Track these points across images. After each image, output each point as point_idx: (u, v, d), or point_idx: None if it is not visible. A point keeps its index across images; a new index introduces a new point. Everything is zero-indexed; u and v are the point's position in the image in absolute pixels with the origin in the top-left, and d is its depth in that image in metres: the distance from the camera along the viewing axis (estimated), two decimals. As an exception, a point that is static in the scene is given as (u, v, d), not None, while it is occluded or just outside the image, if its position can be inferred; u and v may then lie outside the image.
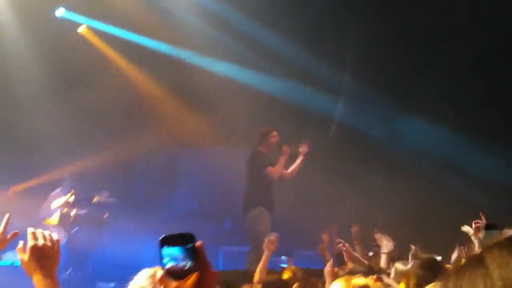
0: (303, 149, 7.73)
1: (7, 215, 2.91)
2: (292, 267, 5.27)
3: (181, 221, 11.24)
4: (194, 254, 1.61)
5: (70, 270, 8.11)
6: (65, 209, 8.15)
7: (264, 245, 5.35)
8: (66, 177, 8.93)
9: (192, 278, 1.57)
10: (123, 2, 10.34)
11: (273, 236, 5.48)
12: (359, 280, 3.16)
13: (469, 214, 5.47)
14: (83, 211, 8.21)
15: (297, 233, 10.67)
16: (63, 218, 8.06)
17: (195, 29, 10.53)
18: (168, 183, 12.45)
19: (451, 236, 7.18)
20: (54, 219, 8.20)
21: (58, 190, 8.80)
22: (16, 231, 2.77)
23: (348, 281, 3.11)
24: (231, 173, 11.13)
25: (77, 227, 8.35)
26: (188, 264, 1.60)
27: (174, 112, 11.42)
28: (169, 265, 1.59)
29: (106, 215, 8.45)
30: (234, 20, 10.42)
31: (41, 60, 10.59)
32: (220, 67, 11.04)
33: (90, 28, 11.04)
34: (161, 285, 1.57)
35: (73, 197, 8.20)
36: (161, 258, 1.59)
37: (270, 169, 7.28)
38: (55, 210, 8.31)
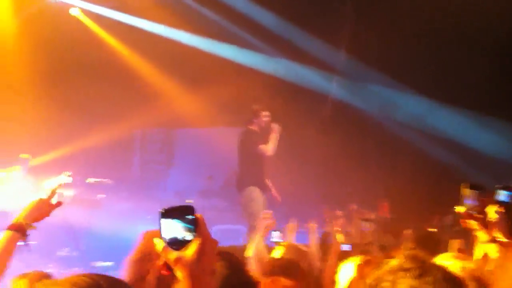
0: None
1: (59, 182, 2.97)
2: (286, 242, 5.19)
3: (176, 201, 11.31)
4: (194, 225, 1.60)
5: (66, 249, 8.17)
6: (61, 190, 8.14)
7: (258, 222, 5.30)
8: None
9: (191, 248, 1.57)
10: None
11: (267, 214, 5.44)
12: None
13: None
14: (78, 191, 8.22)
15: (293, 211, 10.76)
16: (59, 198, 8.05)
17: (187, 9, 10.46)
18: (164, 163, 12.50)
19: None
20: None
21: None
22: (59, 201, 2.81)
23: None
24: (226, 152, 11.20)
25: (72, 207, 8.37)
26: (188, 235, 1.59)
27: (171, 92, 11.40)
28: (168, 236, 1.59)
29: (101, 195, 8.47)
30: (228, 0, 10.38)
31: (33, 42, 10.53)
32: (213, 47, 11.01)
33: (83, 10, 10.96)
34: (162, 256, 1.58)
35: (70, 178, 8.19)
36: (161, 230, 1.59)
37: (262, 147, 7.26)
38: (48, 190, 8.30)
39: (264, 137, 7.56)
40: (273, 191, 7.71)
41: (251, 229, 6.69)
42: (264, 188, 7.50)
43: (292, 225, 5.68)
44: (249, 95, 9.88)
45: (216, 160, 12.29)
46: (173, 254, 1.57)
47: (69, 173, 8.19)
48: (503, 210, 3.02)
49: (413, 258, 1.59)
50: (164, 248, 1.58)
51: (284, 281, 2.94)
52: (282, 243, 4.90)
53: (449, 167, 10.02)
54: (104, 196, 8.47)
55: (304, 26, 10.53)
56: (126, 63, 11.28)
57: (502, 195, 3.22)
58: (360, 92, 11.07)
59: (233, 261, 2.52)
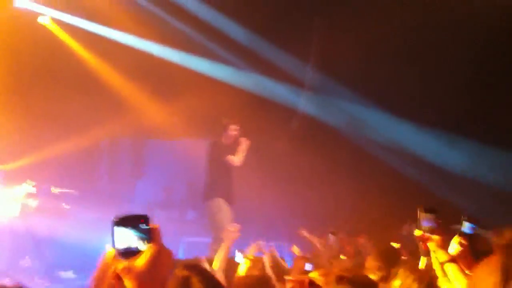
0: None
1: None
2: (251, 256, 5.14)
3: (142, 211, 11.24)
4: (148, 235, 1.56)
5: (27, 259, 8.05)
6: (26, 200, 8.06)
7: (224, 234, 5.28)
8: (12, 167, 8.70)
9: (142, 257, 1.53)
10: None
11: (233, 227, 5.43)
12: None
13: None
14: (43, 201, 8.13)
15: (261, 225, 10.84)
16: (24, 208, 7.97)
17: (159, 21, 10.49)
18: (132, 174, 12.43)
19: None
20: (15, 210, 8.09)
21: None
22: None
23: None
24: (195, 164, 11.21)
25: (37, 217, 8.28)
26: (142, 245, 1.55)
27: (140, 103, 11.37)
28: (120, 245, 1.56)
29: (66, 205, 8.39)
30: (199, 12, 10.43)
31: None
32: (184, 59, 11.04)
33: (52, 18, 10.87)
34: (112, 266, 1.54)
35: (34, 188, 8.13)
36: (114, 239, 1.56)
37: (230, 157, 7.30)
38: (14, 201, 8.20)
39: (232, 150, 7.60)
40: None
41: (216, 240, 6.68)
42: (230, 200, 7.48)
43: (255, 246, 5.71)
44: (219, 107, 9.92)
45: (185, 171, 12.29)
46: (122, 264, 1.53)
47: (33, 183, 8.16)
48: (466, 242, 3.13)
49: None
50: (114, 257, 1.56)
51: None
52: (248, 257, 4.87)
53: (415, 181, 10.19)
54: (68, 207, 8.37)
55: (273, 40, 10.65)
56: (95, 73, 11.20)
57: (466, 227, 3.31)
58: (329, 107, 11.21)
59: (208, 276, 2.44)
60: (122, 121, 11.17)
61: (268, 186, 10.95)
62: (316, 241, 7.36)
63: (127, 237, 1.56)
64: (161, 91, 11.13)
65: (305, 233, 7.26)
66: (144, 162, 12.70)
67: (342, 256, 6.32)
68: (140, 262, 1.52)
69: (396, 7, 9.20)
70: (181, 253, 10.92)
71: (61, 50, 10.98)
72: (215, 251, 6.50)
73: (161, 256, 1.55)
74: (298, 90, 11.30)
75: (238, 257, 5.21)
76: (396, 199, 9.41)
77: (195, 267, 2.39)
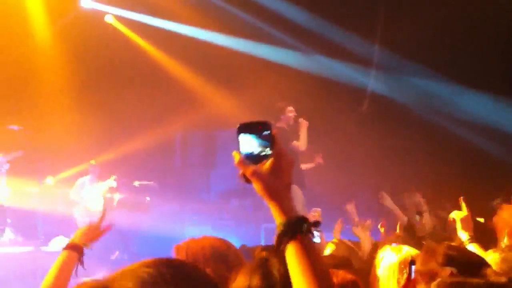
0: (317, 159, 7.64)
1: (103, 209, 3.11)
2: (336, 239, 5.04)
3: (220, 201, 11.39)
4: (270, 141, 1.62)
5: (117, 253, 8.31)
6: (108, 194, 8.32)
7: None
8: (93, 164, 8.97)
9: (268, 163, 1.61)
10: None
11: (315, 212, 5.33)
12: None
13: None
14: (125, 195, 8.36)
15: (335, 208, 10.73)
16: (107, 203, 8.23)
17: (219, 11, 10.50)
18: (206, 164, 12.57)
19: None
20: (97, 204, 8.40)
21: (84, 177, 8.87)
22: (110, 224, 2.97)
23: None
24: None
25: (121, 211, 8.54)
26: (265, 150, 1.62)
27: (208, 94, 11.46)
28: (246, 150, 1.62)
29: (147, 198, 8.59)
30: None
31: (70, 50, 10.71)
32: (248, 47, 11.03)
33: (117, 17, 11.11)
34: (240, 168, 1.61)
35: (115, 182, 8.37)
36: (239, 144, 1.63)
37: (295, 143, 7.11)
38: (98, 195, 8.50)
39: (293, 133, 7.43)
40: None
41: None
42: (302, 186, 7.31)
43: (338, 225, 5.63)
44: (286, 94, 9.86)
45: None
46: (250, 167, 1.60)
47: (115, 177, 8.42)
48: None
49: None
50: (241, 161, 1.61)
51: (343, 273, 2.90)
52: (332, 241, 4.77)
53: (490, 155, 9.77)
54: (149, 199, 8.59)
55: (336, 20, 10.44)
56: (162, 68, 11.41)
57: None
58: (399, 85, 10.90)
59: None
60: (192, 113, 11.29)
61: (340, 169, 10.81)
62: (400, 216, 7.09)
63: (251, 143, 1.63)
64: (228, 81, 11.18)
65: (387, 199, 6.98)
66: (216, 152, 12.81)
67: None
68: (266, 166, 1.60)
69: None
70: (262, 239, 11.03)
71: (129, 48, 11.23)
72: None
73: (284, 162, 1.63)
74: (366, 70, 11.04)
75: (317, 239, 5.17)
76: (479, 178, 9.07)
77: (274, 249, 2.36)
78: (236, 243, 2.97)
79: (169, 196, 10.19)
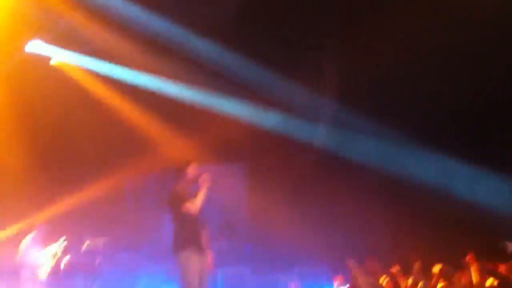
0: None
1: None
2: None
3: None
4: None
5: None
6: (54, 260, 7.83)
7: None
8: (39, 223, 8.47)
9: None
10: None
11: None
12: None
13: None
14: (74, 259, 7.90)
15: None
16: (54, 269, 7.76)
17: (170, 56, 10.28)
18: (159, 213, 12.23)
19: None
20: (43, 272, 7.87)
21: (29, 237, 8.34)
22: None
23: None
24: (225, 191, 11.11)
25: (70, 277, 8.08)
26: None
27: (159, 137, 11.19)
28: None
29: (99, 259, 8.15)
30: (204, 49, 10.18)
31: (14, 97, 10.25)
32: (196, 95, 10.88)
33: (63, 62, 10.71)
34: None
35: (64, 244, 7.91)
36: None
37: (186, 205, 6.23)
38: (42, 262, 7.96)
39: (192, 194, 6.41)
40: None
41: None
42: (201, 251, 6.35)
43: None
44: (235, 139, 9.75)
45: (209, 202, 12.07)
46: None
47: (64, 238, 7.96)
48: None
49: None
50: None
51: None
52: None
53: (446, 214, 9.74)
54: (99, 262, 8.16)
55: (285, 74, 10.39)
56: (113, 112, 11.07)
57: None
58: (349, 141, 10.87)
59: None
60: (143, 158, 11.01)
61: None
62: (361, 276, 7.01)
63: None
64: (179, 124, 10.97)
65: (352, 264, 6.87)
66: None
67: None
68: None
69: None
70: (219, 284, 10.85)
71: (77, 92, 10.82)
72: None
73: None
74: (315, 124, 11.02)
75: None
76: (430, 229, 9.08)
77: None
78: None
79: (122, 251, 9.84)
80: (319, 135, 10.98)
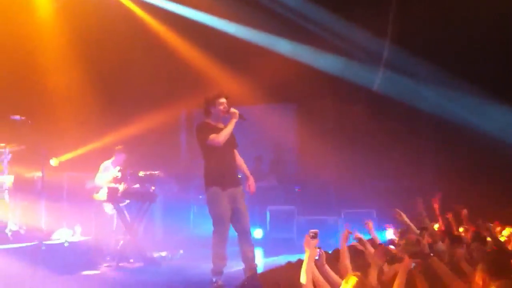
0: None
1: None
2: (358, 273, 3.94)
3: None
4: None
5: (123, 241, 8.23)
6: (113, 184, 8.16)
7: (305, 243, 4.21)
8: (120, 150, 8.78)
9: None
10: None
11: (312, 233, 4.40)
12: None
13: None
14: (131, 185, 8.19)
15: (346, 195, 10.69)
16: (111, 193, 8.08)
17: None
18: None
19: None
20: (102, 194, 8.25)
21: (109, 161, 8.73)
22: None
23: None
24: (272, 131, 11.16)
25: (126, 202, 8.40)
26: None
27: (216, 76, 11.25)
28: None
29: (153, 188, 8.43)
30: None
31: (71, 29, 10.38)
32: (254, 35, 10.77)
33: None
34: None
35: (120, 173, 8.19)
36: None
37: (212, 137, 6.05)
38: (102, 185, 8.35)
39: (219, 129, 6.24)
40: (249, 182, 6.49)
41: (215, 233, 6.04)
42: (231, 184, 6.22)
43: (345, 233, 5.40)
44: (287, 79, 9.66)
45: (263, 139, 12.20)
46: None
47: (119, 168, 8.24)
48: None
49: None
50: None
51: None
52: (354, 274, 3.85)
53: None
54: (154, 188, 8.42)
55: (345, 15, 10.16)
56: (168, 46, 11.15)
57: None
58: (406, 85, 10.63)
59: None
60: (198, 93, 11.09)
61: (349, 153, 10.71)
62: (412, 225, 6.94)
63: None
64: (232, 63, 11.05)
65: (402, 215, 6.83)
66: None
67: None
68: None
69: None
70: (267, 221, 11.06)
71: (134, 25, 10.94)
72: (216, 242, 5.91)
73: None
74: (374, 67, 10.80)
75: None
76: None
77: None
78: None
79: (175, 183, 10.08)
80: (377, 79, 10.79)
